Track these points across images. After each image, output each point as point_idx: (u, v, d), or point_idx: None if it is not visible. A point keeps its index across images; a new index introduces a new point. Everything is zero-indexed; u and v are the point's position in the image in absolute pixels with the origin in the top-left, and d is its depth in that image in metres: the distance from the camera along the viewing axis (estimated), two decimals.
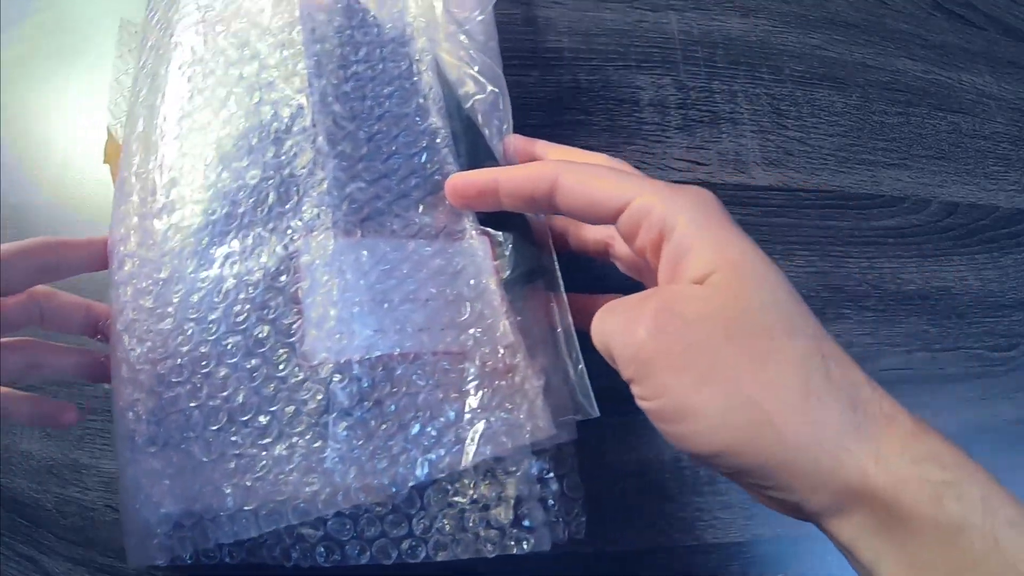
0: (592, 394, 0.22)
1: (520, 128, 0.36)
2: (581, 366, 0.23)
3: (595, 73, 0.37)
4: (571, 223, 0.28)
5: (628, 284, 0.25)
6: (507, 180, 0.23)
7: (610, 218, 0.22)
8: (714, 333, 0.19)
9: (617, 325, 0.21)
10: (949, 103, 0.42)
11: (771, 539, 0.31)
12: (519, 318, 0.23)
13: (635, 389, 0.20)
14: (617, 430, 0.31)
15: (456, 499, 0.23)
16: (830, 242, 0.36)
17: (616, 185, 0.22)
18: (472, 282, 0.24)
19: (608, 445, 0.31)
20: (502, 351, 0.23)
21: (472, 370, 0.23)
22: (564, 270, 0.25)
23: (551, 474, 0.24)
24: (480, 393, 0.22)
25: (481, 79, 0.27)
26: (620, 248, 0.26)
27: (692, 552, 0.31)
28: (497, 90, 0.27)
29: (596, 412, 0.22)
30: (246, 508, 0.22)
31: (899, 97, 0.41)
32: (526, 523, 0.23)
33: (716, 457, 0.19)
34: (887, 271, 0.36)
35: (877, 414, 0.19)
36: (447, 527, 0.23)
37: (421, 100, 0.26)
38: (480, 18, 0.30)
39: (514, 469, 0.23)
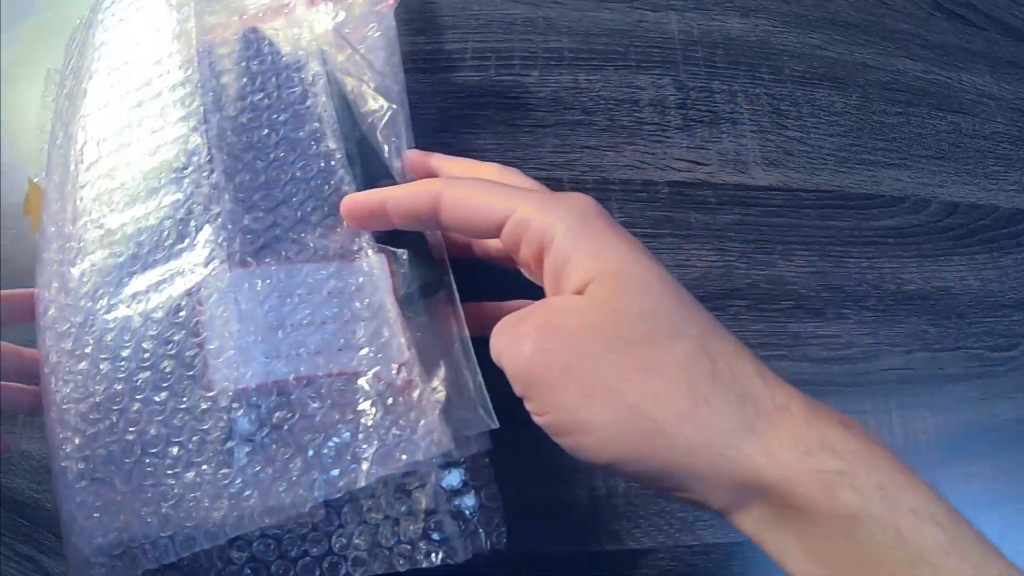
0: (491, 405, 0.23)
1: (521, 127, 0.36)
2: (479, 378, 0.23)
3: (595, 73, 0.37)
4: None
5: (536, 290, 0.26)
6: (393, 200, 0.23)
7: (493, 232, 0.22)
8: (595, 345, 0.19)
9: (506, 342, 0.21)
10: (949, 103, 0.42)
11: None
12: (419, 334, 0.24)
13: (527, 405, 0.20)
14: None
15: (371, 515, 0.24)
16: (830, 242, 0.36)
17: (495, 199, 0.22)
18: (368, 301, 0.24)
19: None
20: (397, 368, 0.23)
21: (367, 389, 0.23)
22: (473, 277, 0.25)
23: (468, 486, 0.24)
24: (375, 411, 0.23)
25: (379, 96, 0.27)
26: None
27: (692, 552, 0.31)
28: (395, 106, 0.27)
29: (495, 424, 0.23)
30: (163, 535, 0.23)
31: (899, 97, 0.41)
32: (435, 536, 0.23)
33: (612, 466, 0.19)
34: (887, 271, 0.36)
35: (768, 407, 0.18)
36: (363, 543, 0.24)
37: (316, 124, 0.27)
38: (377, 34, 0.30)
39: (421, 483, 0.24)
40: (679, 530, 0.31)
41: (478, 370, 0.23)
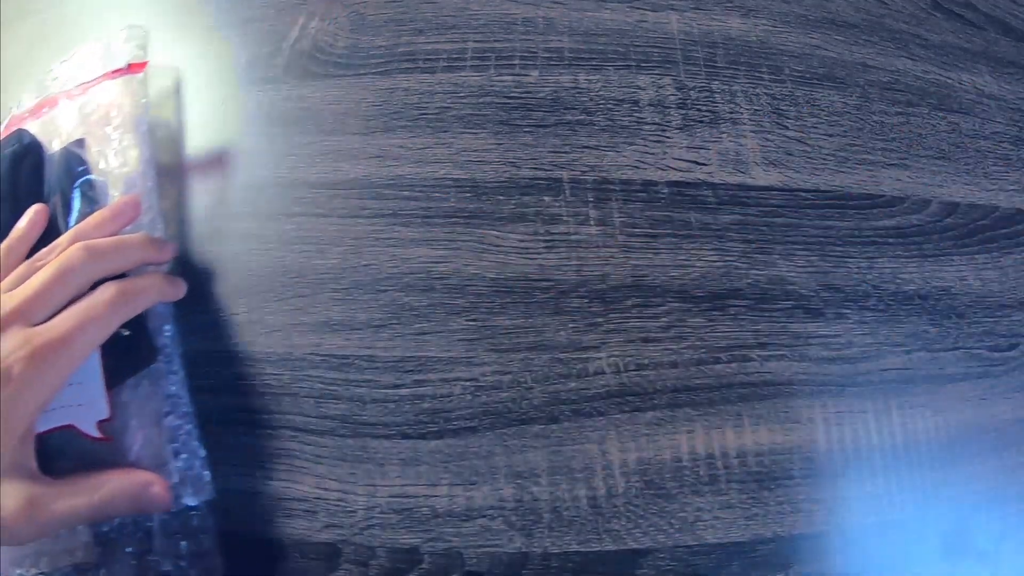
0: (173, 466, 0.28)
1: (521, 127, 0.36)
2: (169, 448, 0.28)
3: (595, 73, 0.37)
4: None
5: None
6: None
7: None
8: None
9: None
10: (949, 103, 0.41)
11: (771, 539, 0.31)
12: (124, 402, 0.28)
13: None
14: (620, 429, 0.31)
15: (127, 549, 0.29)
16: (830, 242, 0.36)
17: None
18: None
19: (609, 445, 0.31)
20: (99, 426, 0.27)
21: (77, 446, 0.27)
22: None
23: (181, 532, 0.28)
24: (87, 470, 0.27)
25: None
26: None
27: (692, 552, 0.31)
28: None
29: (210, 493, 0.28)
30: None
31: (899, 97, 0.41)
32: (165, 567, 0.28)
33: None
34: (887, 271, 0.36)
35: None
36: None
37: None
38: (120, 119, 0.33)
39: (136, 525, 0.29)
40: (679, 530, 0.31)
41: (169, 441, 0.28)
